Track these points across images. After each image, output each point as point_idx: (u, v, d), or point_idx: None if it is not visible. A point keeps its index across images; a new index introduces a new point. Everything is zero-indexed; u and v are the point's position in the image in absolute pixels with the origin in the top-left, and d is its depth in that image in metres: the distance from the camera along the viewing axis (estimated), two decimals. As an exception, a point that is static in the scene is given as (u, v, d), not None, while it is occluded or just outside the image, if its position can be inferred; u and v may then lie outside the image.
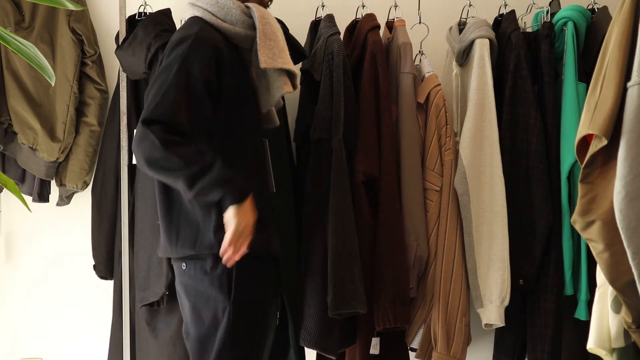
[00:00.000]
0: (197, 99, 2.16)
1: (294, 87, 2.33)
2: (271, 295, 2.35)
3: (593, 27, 2.88)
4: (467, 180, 2.85)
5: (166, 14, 3.01)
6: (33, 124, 3.13)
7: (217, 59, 2.21)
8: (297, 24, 3.00)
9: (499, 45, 2.93)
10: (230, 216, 2.11)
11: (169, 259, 2.74)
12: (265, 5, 2.42)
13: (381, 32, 3.01)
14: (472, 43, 2.90)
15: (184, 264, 2.28)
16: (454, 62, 3.00)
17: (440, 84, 2.93)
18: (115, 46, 3.11)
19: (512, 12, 2.99)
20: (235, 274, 2.23)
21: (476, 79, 2.86)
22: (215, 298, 2.24)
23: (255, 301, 2.29)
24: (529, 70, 2.85)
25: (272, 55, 2.27)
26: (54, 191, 3.28)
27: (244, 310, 2.24)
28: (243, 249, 2.14)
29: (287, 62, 2.30)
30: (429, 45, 3.11)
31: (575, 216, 2.14)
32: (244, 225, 2.12)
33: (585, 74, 2.81)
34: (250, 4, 2.34)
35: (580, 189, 2.13)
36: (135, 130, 2.15)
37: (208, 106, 2.19)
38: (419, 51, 3.10)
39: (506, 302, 2.80)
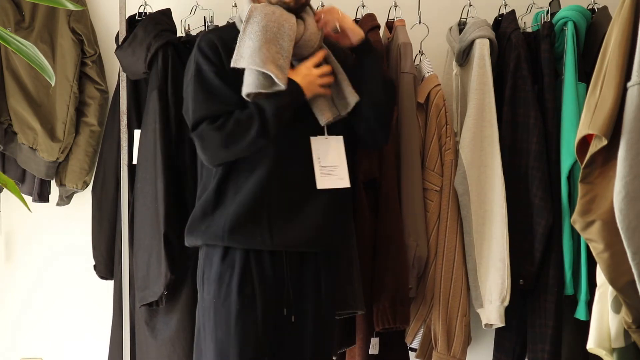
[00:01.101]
0: (217, 87, 2.32)
1: (280, 83, 2.27)
2: (262, 290, 2.33)
3: (593, 27, 2.87)
4: (467, 180, 2.85)
5: (166, 14, 3.01)
6: (33, 124, 3.13)
7: (216, 54, 2.34)
8: (297, 24, 3.00)
9: (499, 45, 2.93)
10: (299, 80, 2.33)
11: (168, 259, 2.74)
12: (285, 4, 2.35)
13: (381, 32, 3.01)
14: (472, 43, 2.90)
15: None
16: (454, 62, 3.00)
17: (440, 84, 2.93)
18: (115, 46, 3.11)
19: (512, 12, 2.98)
20: (204, 262, 2.39)
21: (476, 79, 2.86)
22: (197, 283, 2.46)
23: (226, 293, 2.32)
24: (529, 70, 2.85)
25: (242, 55, 2.27)
26: (54, 191, 3.28)
27: (211, 299, 2.35)
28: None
29: (256, 63, 2.24)
30: (429, 45, 3.11)
31: (575, 216, 2.14)
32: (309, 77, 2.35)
33: (585, 74, 2.81)
34: (252, 3, 2.35)
35: (580, 189, 2.13)
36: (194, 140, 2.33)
37: (230, 91, 2.31)
38: (419, 51, 3.10)
39: (506, 302, 2.80)
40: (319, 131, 2.41)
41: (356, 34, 2.46)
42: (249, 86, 2.27)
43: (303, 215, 2.36)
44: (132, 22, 3.05)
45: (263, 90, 2.27)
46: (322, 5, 3.01)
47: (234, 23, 2.46)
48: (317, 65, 2.38)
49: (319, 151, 2.39)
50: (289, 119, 2.33)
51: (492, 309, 2.81)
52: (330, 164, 2.39)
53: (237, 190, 2.34)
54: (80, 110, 3.22)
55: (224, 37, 2.38)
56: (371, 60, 2.47)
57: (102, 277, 3.19)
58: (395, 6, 3.05)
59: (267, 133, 2.27)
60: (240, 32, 2.29)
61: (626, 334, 2.16)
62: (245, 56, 2.26)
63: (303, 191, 2.37)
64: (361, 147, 2.59)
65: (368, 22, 2.92)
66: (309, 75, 2.34)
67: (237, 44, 2.28)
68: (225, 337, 2.32)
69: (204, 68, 2.33)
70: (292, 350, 2.38)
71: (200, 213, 2.38)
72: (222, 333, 2.32)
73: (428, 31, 3.09)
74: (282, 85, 2.27)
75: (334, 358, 2.80)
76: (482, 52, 2.87)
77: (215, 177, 2.37)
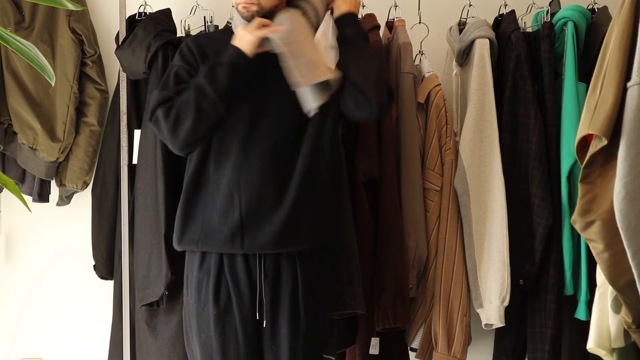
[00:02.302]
0: (181, 78, 2.36)
1: None
2: (237, 295, 2.32)
3: (593, 27, 2.88)
4: (467, 180, 2.85)
5: (166, 14, 3.01)
6: (33, 124, 3.13)
7: (192, 55, 2.40)
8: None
9: (499, 45, 2.93)
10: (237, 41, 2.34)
11: (169, 259, 2.74)
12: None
13: (381, 32, 3.01)
14: (472, 43, 2.90)
15: None
16: (454, 62, 3.00)
17: (440, 84, 2.93)
18: (115, 46, 3.11)
19: (512, 12, 2.99)
20: (187, 267, 2.43)
21: (476, 79, 2.86)
22: (184, 287, 2.50)
23: (204, 300, 2.34)
24: (529, 70, 2.85)
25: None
26: (54, 191, 3.28)
27: (193, 304, 2.37)
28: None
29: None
30: (429, 45, 3.10)
31: (575, 216, 2.14)
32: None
33: (585, 74, 2.81)
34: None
35: (580, 189, 2.13)
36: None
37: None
38: (419, 51, 3.10)
39: (506, 302, 2.80)
40: (283, 122, 2.35)
41: (341, 7, 2.40)
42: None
43: (274, 214, 2.30)
44: (132, 22, 3.05)
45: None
46: None
47: (226, 27, 2.47)
48: None
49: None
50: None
51: (492, 309, 2.81)
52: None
53: (206, 190, 2.34)
54: (80, 110, 3.22)
55: (205, 42, 2.42)
56: (350, 33, 2.38)
57: (102, 277, 3.19)
58: (395, 6, 3.05)
59: (215, 103, 2.26)
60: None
61: (626, 334, 2.16)
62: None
63: (274, 189, 2.31)
64: (349, 118, 2.45)
65: (368, 22, 2.92)
66: (241, 35, 2.33)
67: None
68: (208, 342, 2.33)
69: (175, 64, 2.38)
70: (269, 357, 2.35)
71: (177, 218, 2.40)
72: (206, 337, 2.34)
73: (428, 31, 3.09)
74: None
75: (333, 358, 2.80)
76: (482, 52, 2.87)
77: (185, 179, 2.39)
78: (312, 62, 2.30)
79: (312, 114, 2.30)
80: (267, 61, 2.35)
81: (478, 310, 2.87)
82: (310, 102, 2.31)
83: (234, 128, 2.34)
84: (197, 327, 2.35)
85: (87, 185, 3.26)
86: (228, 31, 2.46)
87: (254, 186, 2.31)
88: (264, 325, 2.33)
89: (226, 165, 2.33)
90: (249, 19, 2.36)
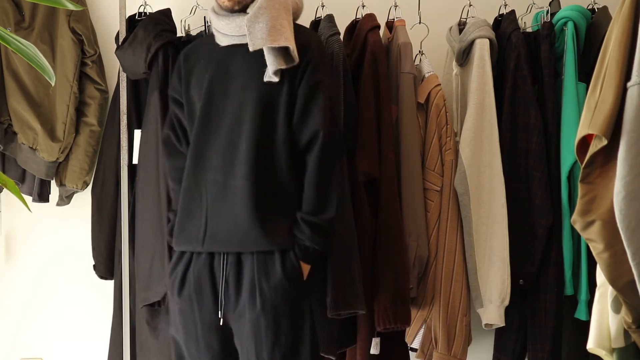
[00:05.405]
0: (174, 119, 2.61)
1: None
2: (197, 293, 2.31)
3: (593, 27, 2.88)
4: (467, 180, 2.85)
5: (166, 14, 3.01)
6: (33, 124, 3.13)
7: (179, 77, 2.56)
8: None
9: (499, 45, 2.93)
10: None
11: (171, 259, 2.74)
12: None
13: (381, 32, 3.01)
14: (472, 43, 2.90)
15: None
16: (454, 62, 3.00)
17: (440, 84, 2.93)
18: (115, 46, 3.11)
19: (512, 12, 2.99)
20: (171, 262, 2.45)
21: (476, 79, 2.86)
22: None
23: (171, 294, 2.37)
24: (529, 70, 2.85)
25: None
26: (54, 191, 3.28)
27: (169, 297, 2.40)
28: None
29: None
30: (429, 45, 3.11)
31: (575, 216, 2.13)
32: None
33: (585, 74, 2.81)
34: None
35: (580, 189, 2.13)
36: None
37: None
38: (419, 51, 3.10)
39: (506, 302, 2.80)
40: (236, 115, 2.30)
41: None
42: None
43: (230, 212, 2.27)
44: (132, 22, 3.05)
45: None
46: (323, 6, 3.01)
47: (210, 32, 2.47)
48: None
49: None
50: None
51: (492, 309, 2.81)
52: None
53: (182, 191, 2.36)
54: (80, 110, 3.22)
55: (194, 53, 2.46)
56: None
57: (101, 277, 3.19)
58: (395, 6, 3.05)
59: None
60: None
61: (626, 334, 2.15)
62: None
63: (233, 189, 2.28)
64: None
65: (368, 22, 2.92)
66: None
67: None
68: (176, 334, 2.38)
69: (170, 106, 2.50)
70: (242, 356, 2.32)
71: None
72: (174, 331, 2.38)
73: (428, 31, 3.09)
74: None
75: (333, 358, 2.80)
76: (482, 52, 2.87)
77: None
78: (273, 28, 2.27)
79: (270, 79, 2.26)
80: (230, 55, 2.34)
81: (478, 310, 2.87)
82: (269, 65, 2.26)
83: (195, 128, 2.36)
84: (170, 320, 2.41)
85: (87, 185, 3.26)
86: (212, 36, 2.43)
87: (216, 186, 2.30)
88: (222, 324, 2.29)
89: (193, 165, 2.35)
90: (231, 10, 2.32)
